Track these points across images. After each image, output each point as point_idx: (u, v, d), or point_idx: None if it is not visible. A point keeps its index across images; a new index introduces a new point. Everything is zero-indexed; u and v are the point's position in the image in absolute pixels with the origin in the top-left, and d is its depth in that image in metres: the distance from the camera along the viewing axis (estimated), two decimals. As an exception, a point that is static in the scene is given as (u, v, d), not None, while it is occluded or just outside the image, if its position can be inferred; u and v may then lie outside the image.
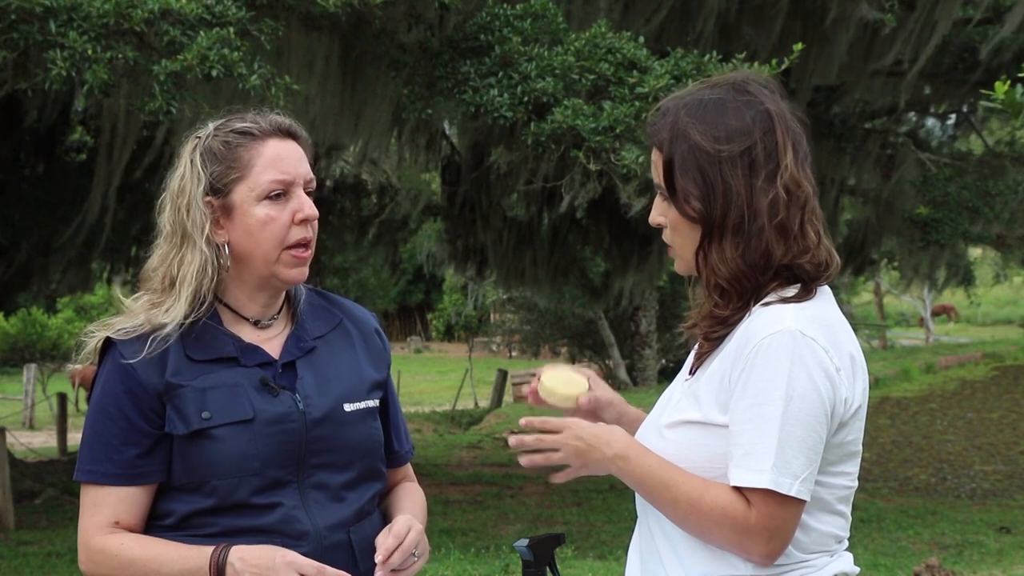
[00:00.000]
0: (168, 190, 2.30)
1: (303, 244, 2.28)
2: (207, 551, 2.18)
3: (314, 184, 2.32)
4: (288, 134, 2.30)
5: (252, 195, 2.25)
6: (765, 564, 2.03)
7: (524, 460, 2.14)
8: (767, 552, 2.02)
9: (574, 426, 2.11)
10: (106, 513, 2.24)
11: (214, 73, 7.10)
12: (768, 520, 1.99)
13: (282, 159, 2.27)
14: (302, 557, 2.18)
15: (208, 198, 2.25)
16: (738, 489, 2.02)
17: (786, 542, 2.02)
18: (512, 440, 2.13)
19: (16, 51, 7.19)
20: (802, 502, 2.01)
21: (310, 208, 2.27)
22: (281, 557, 2.16)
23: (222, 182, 2.25)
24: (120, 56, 7.13)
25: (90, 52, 7.07)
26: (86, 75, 7.09)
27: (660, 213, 2.17)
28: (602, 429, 2.13)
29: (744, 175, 2.06)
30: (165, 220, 2.29)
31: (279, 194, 2.26)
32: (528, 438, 2.12)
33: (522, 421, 2.14)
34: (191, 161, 2.27)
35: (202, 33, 7.20)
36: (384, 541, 2.24)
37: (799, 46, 8.08)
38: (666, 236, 2.18)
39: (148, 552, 2.22)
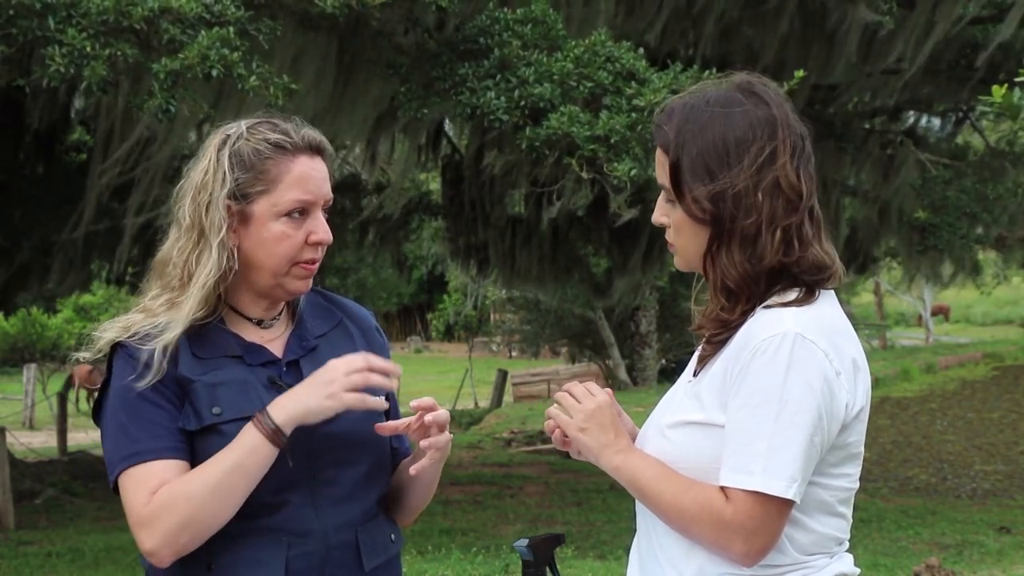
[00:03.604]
0: (189, 181, 2.27)
1: (312, 261, 2.29)
2: (248, 427, 2.16)
3: (331, 201, 2.32)
4: (317, 151, 2.30)
5: (273, 210, 2.24)
6: (746, 563, 2.03)
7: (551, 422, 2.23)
8: (745, 551, 2.01)
9: (598, 412, 2.16)
10: (154, 483, 2.17)
11: (214, 73, 7.08)
12: (745, 519, 1.99)
13: (308, 179, 2.26)
14: (334, 361, 2.19)
15: (229, 202, 2.23)
16: (725, 489, 2.02)
17: (767, 543, 2.01)
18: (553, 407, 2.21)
19: (14, 47, 7.16)
20: (788, 504, 2.00)
21: (324, 233, 2.28)
22: (323, 375, 2.18)
23: (246, 191, 2.24)
24: (119, 54, 7.11)
25: (88, 49, 7.05)
26: (84, 72, 7.06)
27: (663, 213, 2.17)
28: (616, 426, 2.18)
29: (749, 179, 2.06)
30: (184, 212, 2.26)
31: (299, 213, 2.26)
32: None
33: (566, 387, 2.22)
34: (218, 160, 2.25)
35: (203, 32, 7.18)
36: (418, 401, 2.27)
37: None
38: (669, 236, 2.18)
39: (199, 473, 2.16)
